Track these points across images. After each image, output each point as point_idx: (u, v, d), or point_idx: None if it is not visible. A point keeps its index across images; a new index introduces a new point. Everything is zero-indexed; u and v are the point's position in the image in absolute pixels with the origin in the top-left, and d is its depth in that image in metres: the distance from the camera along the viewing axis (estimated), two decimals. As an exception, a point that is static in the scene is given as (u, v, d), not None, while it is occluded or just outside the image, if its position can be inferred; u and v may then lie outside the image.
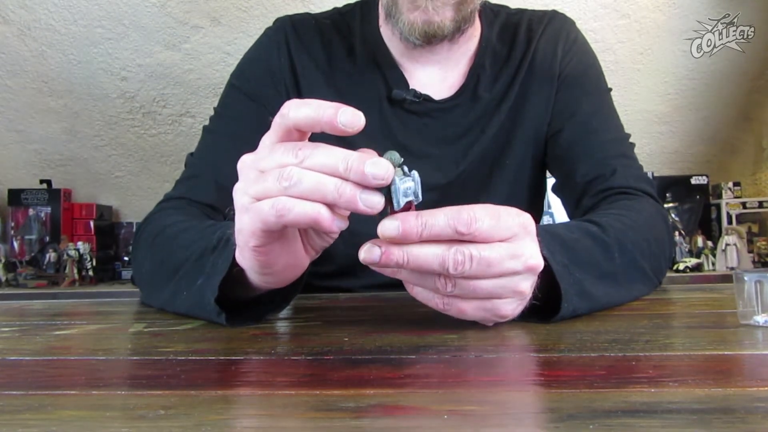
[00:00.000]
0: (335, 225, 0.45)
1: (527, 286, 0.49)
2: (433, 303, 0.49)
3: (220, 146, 0.86)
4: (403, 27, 0.81)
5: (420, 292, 0.49)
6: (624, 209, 0.72)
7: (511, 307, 0.49)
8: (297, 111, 0.45)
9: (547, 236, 0.52)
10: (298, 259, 0.53)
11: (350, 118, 0.43)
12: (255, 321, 0.57)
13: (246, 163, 0.48)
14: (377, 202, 0.43)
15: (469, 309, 0.48)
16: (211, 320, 0.55)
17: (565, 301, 0.51)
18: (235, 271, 0.53)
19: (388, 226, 0.44)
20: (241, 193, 0.47)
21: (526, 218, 0.49)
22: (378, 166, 0.42)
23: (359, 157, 0.43)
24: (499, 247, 0.46)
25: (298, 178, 0.43)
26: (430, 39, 0.82)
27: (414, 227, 0.44)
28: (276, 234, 0.48)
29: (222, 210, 0.82)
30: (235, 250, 0.52)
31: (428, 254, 0.45)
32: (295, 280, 0.55)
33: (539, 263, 0.49)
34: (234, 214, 0.50)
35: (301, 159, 0.44)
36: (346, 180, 0.43)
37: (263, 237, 0.47)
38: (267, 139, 0.47)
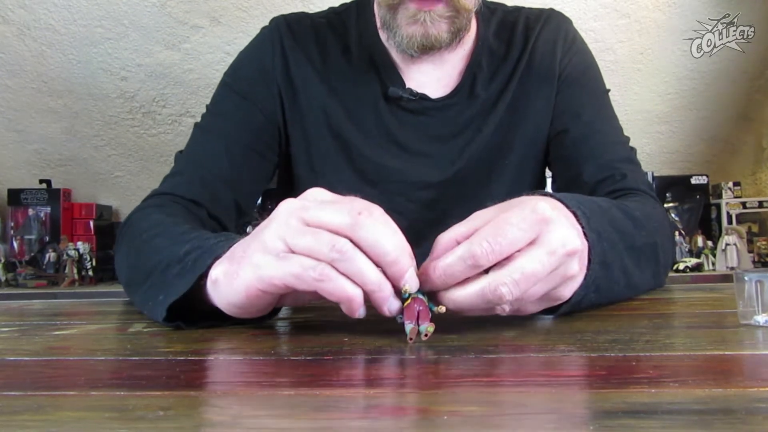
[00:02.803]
0: (360, 312, 0.45)
1: (575, 267, 0.48)
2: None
3: (208, 143, 0.87)
4: (401, 40, 0.82)
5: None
6: (640, 204, 0.73)
7: (570, 288, 0.50)
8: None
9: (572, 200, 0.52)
10: (269, 308, 0.52)
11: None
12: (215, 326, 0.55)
13: (290, 210, 0.47)
14: (396, 309, 0.45)
15: (530, 308, 0.49)
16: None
17: (590, 269, 0.51)
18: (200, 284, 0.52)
19: (411, 283, 0.45)
20: (276, 238, 0.46)
21: (539, 205, 0.46)
22: (412, 281, 0.45)
23: (401, 268, 0.44)
24: (532, 255, 0.45)
25: (350, 255, 0.43)
26: (427, 50, 0.83)
27: (435, 280, 0.45)
28: (290, 289, 0.46)
29: (205, 204, 0.82)
30: (200, 276, 0.51)
31: (468, 295, 0.45)
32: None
33: (576, 245, 0.47)
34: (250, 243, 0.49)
35: (355, 232, 0.44)
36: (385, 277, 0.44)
37: (280, 289, 0.46)
38: (322, 195, 0.48)
